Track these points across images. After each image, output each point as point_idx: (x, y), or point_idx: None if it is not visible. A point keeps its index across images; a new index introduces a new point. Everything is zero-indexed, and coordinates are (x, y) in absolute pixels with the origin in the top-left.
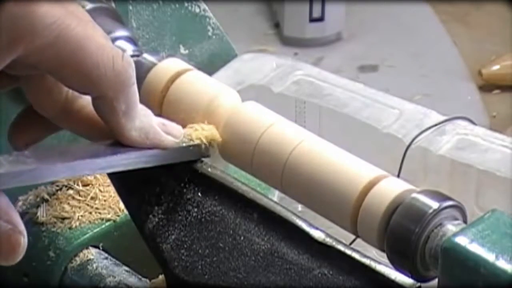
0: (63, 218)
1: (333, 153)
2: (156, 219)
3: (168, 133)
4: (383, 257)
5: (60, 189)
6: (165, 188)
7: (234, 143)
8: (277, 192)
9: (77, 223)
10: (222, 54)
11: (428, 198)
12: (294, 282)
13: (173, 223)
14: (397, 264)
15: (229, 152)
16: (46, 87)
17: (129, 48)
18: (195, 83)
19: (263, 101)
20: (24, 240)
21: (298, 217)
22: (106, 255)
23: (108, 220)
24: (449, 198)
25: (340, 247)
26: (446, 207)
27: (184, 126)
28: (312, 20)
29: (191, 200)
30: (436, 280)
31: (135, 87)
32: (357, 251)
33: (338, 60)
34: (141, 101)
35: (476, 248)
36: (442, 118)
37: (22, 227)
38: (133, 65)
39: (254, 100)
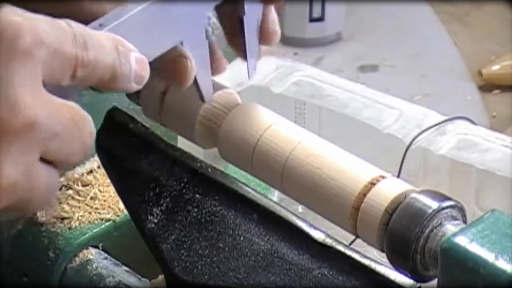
0: (63, 218)
1: (333, 153)
2: (156, 219)
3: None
4: (383, 257)
5: (60, 189)
6: (165, 188)
7: (234, 143)
8: (277, 192)
9: (77, 223)
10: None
11: (427, 198)
12: (294, 282)
13: (173, 223)
14: (397, 264)
15: (229, 152)
16: None
17: None
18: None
19: (263, 102)
20: (191, 64)
21: (298, 217)
22: (106, 255)
23: (108, 220)
24: (449, 198)
25: (340, 248)
26: (445, 207)
27: (183, 126)
28: (312, 20)
29: (191, 200)
30: (436, 280)
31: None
32: (357, 252)
33: (338, 60)
34: (141, 102)
35: (475, 248)
36: (442, 118)
37: (187, 53)
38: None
39: (254, 101)
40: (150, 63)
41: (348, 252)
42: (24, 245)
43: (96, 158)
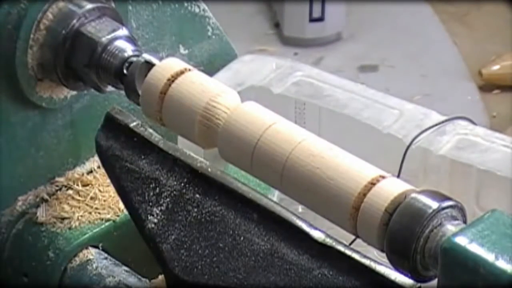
0: (63, 218)
1: (333, 153)
2: (156, 219)
3: None
4: (383, 257)
5: (60, 189)
6: (165, 188)
7: (234, 143)
8: (277, 192)
9: (77, 223)
10: (221, 54)
11: (427, 198)
12: (294, 282)
13: (173, 223)
14: (397, 264)
15: (229, 152)
16: None
17: (129, 48)
18: (195, 83)
19: (263, 102)
20: None
21: (298, 217)
22: (106, 255)
23: (108, 220)
24: (449, 198)
25: (340, 248)
26: (445, 207)
27: (183, 126)
28: (312, 20)
29: (191, 200)
30: (436, 280)
31: None
32: (357, 252)
33: (338, 60)
34: (141, 102)
35: (475, 248)
36: (442, 118)
37: None
38: None
39: (254, 101)
40: None
41: (348, 252)
42: (24, 245)
43: (96, 158)
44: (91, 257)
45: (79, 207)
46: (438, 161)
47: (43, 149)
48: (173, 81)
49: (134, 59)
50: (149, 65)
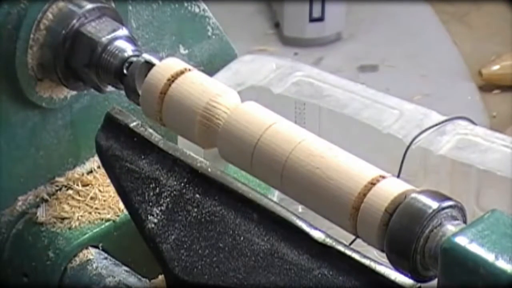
0: (63, 218)
1: (333, 153)
2: (156, 219)
3: None
4: (383, 257)
5: (60, 189)
6: (165, 188)
7: (234, 143)
8: (277, 192)
9: (77, 223)
10: (221, 54)
11: (427, 198)
12: (294, 282)
13: (173, 223)
14: (397, 264)
15: (229, 152)
16: None
17: (129, 48)
18: (195, 83)
19: (263, 102)
20: None
21: (298, 217)
22: (106, 255)
23: (108, 220)
24: (449, 198)
25: (340, 248)
26: (445, 207)
27: (183, 126)
28: (312, 20)
29: (191, 200)
30: (436, 280)
31: None
32: (357, 252)
33: (338, 60)
34: (141, 102)
35: (475, 248)
36: (442, 118)
37: None
38: None
39: (254, 101)
40: None
41: (348, 252)
42: (24, 245)
43: (96, 158)
44: (91, 257)
45: (79, 207)
46: (438, 161)
47: (43, 149)
48: (173, 81)
49: (134, 59)
50: (149, 65)
